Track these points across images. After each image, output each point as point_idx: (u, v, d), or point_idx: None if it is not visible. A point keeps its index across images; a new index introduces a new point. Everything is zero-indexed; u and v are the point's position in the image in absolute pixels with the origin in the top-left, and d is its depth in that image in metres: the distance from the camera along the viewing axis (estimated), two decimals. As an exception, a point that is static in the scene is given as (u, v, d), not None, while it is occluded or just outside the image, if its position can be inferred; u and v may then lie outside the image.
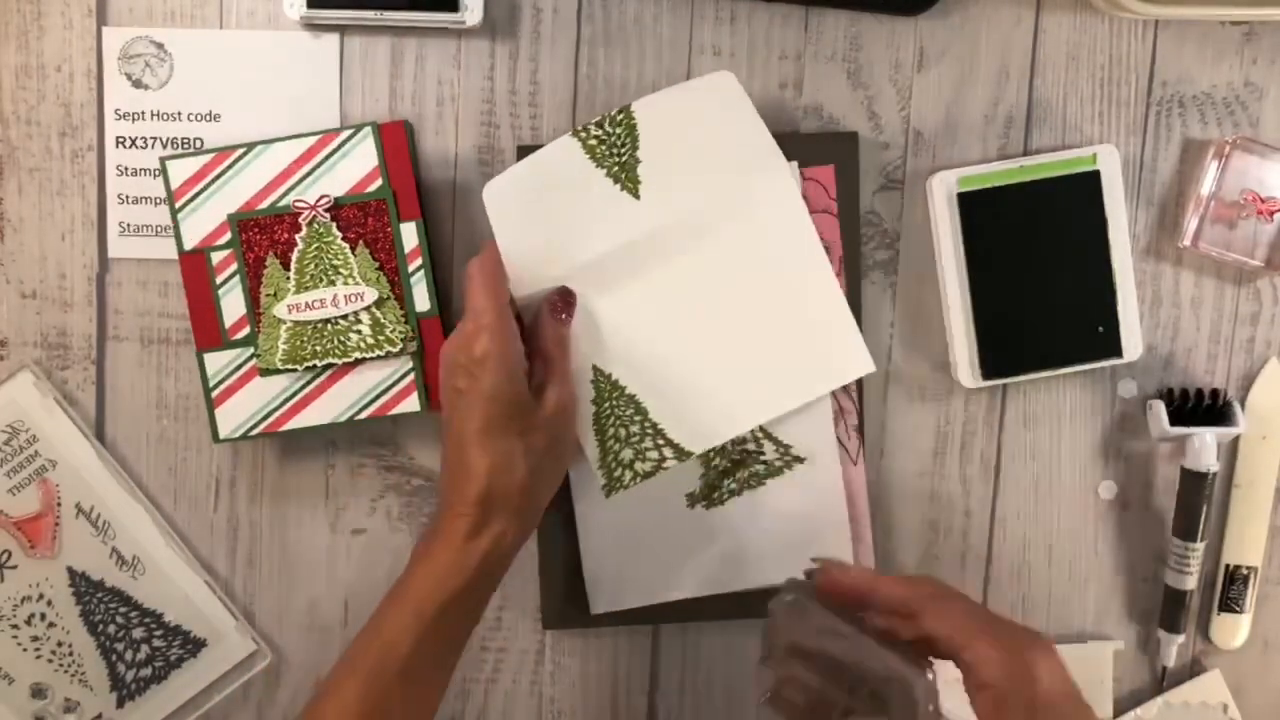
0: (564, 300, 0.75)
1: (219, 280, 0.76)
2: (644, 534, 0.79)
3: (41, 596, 0.80)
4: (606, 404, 0.76)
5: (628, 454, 0.76)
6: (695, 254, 0.76)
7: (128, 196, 0.78)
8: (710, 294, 0.76)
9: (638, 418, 0.76)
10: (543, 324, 0.74)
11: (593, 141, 0.75)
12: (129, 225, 0.78)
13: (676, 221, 0.74)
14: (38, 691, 0.80)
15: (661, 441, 0.77)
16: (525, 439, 0.69)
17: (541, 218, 0.75)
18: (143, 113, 0.78)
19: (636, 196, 0.74)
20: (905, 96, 0.79)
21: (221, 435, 0.76)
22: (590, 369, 0.76)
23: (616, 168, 0.74)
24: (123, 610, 0.80)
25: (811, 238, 0.76)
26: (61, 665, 0.80)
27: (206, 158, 0.75)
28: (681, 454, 0.76)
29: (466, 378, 0.69)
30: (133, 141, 0.78)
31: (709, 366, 0.76)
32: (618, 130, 0.75)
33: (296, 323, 0.75)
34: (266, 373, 0.76)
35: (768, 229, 0.76)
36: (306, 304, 0.75)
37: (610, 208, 0.75)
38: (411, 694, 0.68)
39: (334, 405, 0.76)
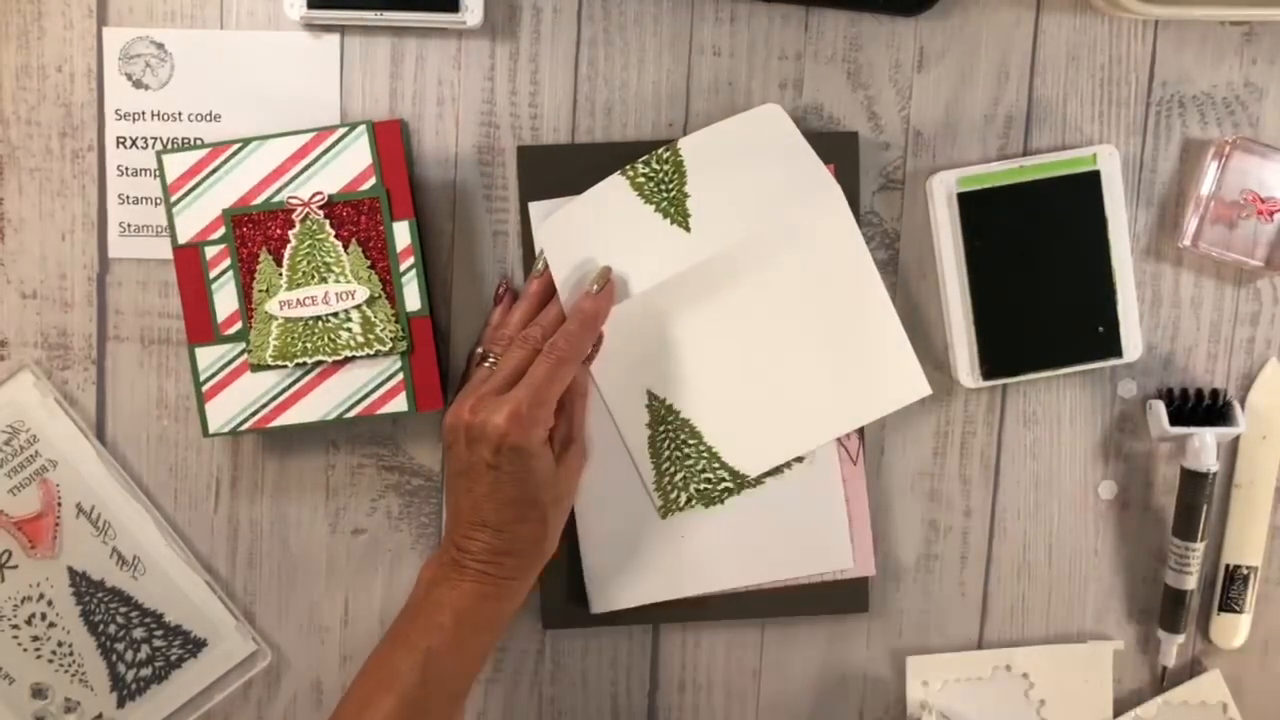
0: (593, 346, 0.76)
1: (212, 275, 0.76)
2: (644, 534, 0.79)
3: (42, 596, 0.80)
4: (662, 427, 0.76)
5: (681, 477, 0.77)
6: (748, 281, 0.76)
7: (128, 196, 0.78)
8: (765, 319, 0.76)
9: (693, 441, 0.77)
10: None
11: (640, 179, 0.76)
12: (129, 225, 0.78)
13: (728, 250, 0.75)
14: (38, 691, 0.80)
15: (717, 465, 0.77)
16: (550, 508, 0.73)
17: (594, 249, 0.76)
18: (143, 113, 0.78)
19: (687, 229, 0.75)
20: (905, 96, 0.79)
21: (211, 429, 0.76)
22: (645, 393, 0.76)
23: (665, 203, 0.75)
24: (123, 610, 0.80)
25: (866, 260, 0.76)
26: (62, 665, 0.80)
27: (202, 152, 0.75)
28: (738, 478, 0.77)
29: (504, 461, 0.70)
30: (133, 141, 0.78)
31: (765, 391, 0.76)
32: (664, 167, 0.76)
33: (288, 319, 0.75)
34: (257, 368, 0.76)
35: (821, 253, 0.76)
36: (298, 300, 0.75)
37: (661, 241, 0.75)
38: (446, 709, 0.71)
39: (323, 403, 0.76)
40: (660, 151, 0.76)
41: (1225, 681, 0.83)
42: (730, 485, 0.77)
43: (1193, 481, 0.80)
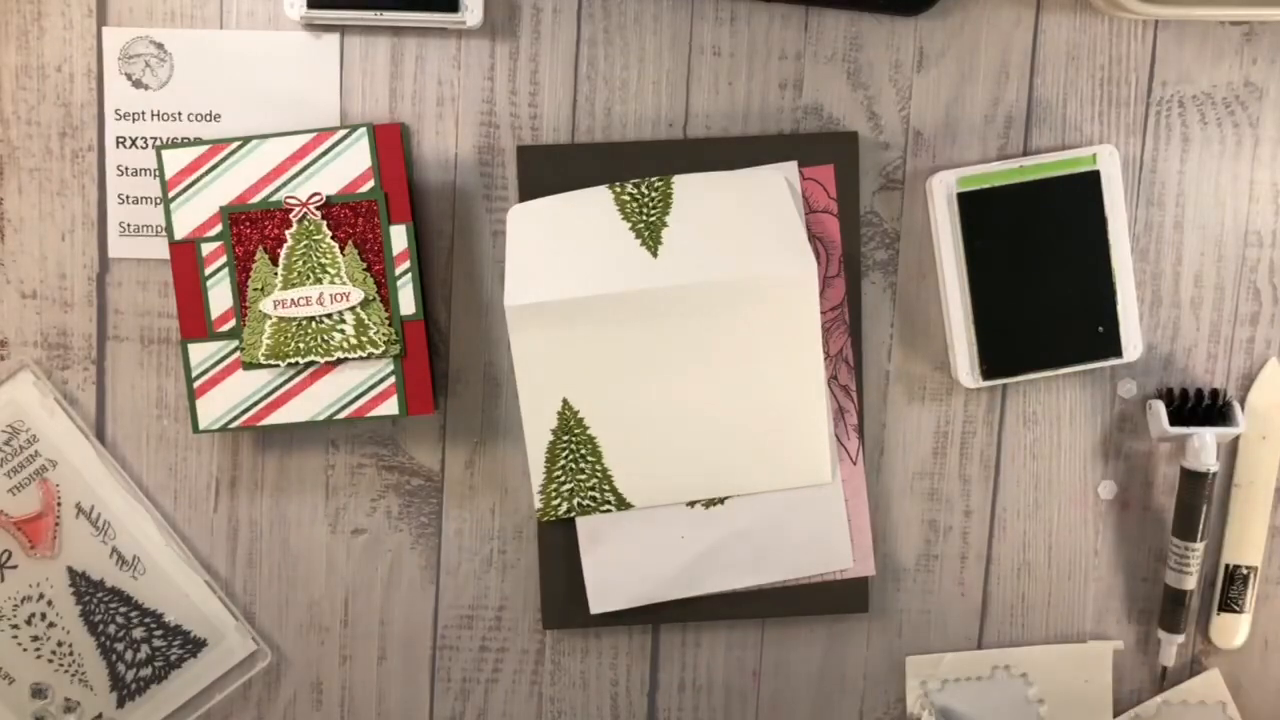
0: None
1: (208, 272, 0.76)
2: (644, 534, 0.79)
3: (41, 596, 0.80)
4: (566, 437, 0.77)
5: (569, 488, 0.77)
6: (697, 323, 0.76)
7: (128, 196, 0.78)
8: (699, 364, 0.77)
9: (590, 459, 0.77)
10: None
11: (625, 197, 0.76)
12: (129, 225, 0.78)
13: (687, 287, 0.75)
14: (38, 691, 0.80)
15: (606, 488, 0.78)
16: None
17: (557, 243, 0.76)
18: (143, 113, 0.78)
19: (654, 255, 0.75)
20: (905, 96, 0.79)
21: (201, 426, 0.76)
22: (560, 400, 0.77)
23: (642, 224, 0.76)
24: (123, 610, 0.80)
25: (815, 339, 0.76)
26: (61, 665, 0.80)
27: (202, 149, 0.75)
28: (622, 504, 0.78)
29: None
30: (133, 141, 0.78)
31: (676, 431, 0.77)
32: (653, 193, 0.76)
33: (281, 319, 0.75)
34: (250, 366, 0.76)
35: (776, 319, 0.76)
36: (292, 300, 0.75)
37: (626, 257, 0.75)
38: None
39: (314, 403, 0.76)
40: (653, 179, 0.77)
41: (1225, 681, 0.83)
42: (612, 508, 0.78)
43: (1193, 481, 0.80)
